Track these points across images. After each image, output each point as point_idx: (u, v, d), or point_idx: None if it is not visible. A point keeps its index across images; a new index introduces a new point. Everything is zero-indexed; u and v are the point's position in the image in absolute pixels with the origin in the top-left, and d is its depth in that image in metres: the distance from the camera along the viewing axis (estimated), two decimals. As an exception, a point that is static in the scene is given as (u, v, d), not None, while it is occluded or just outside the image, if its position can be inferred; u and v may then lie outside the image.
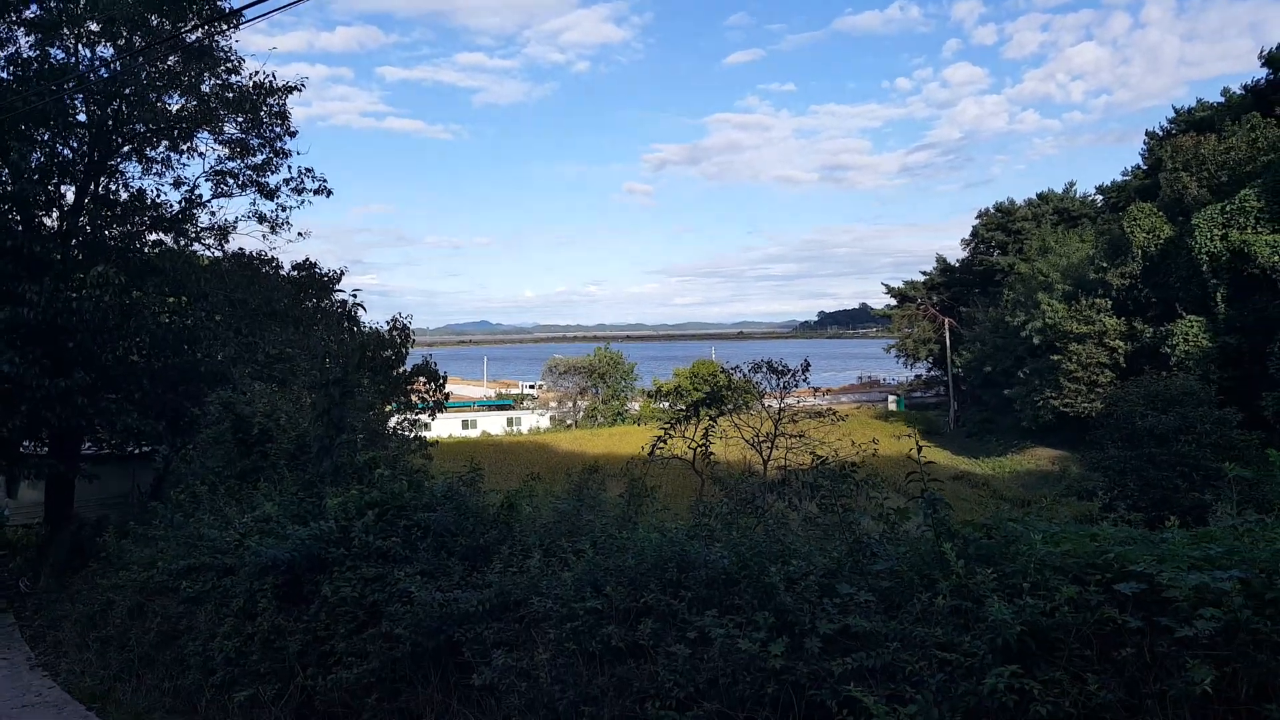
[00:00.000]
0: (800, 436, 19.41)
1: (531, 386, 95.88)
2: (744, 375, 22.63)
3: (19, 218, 20.22)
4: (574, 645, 6.68)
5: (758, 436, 19.89)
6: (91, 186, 21.55)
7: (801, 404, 27.96)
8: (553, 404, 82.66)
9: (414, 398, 19.86)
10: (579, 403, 78.83)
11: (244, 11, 21.17)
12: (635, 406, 79.02)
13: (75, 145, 21.02)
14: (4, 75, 20.08)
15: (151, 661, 12.77)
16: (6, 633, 18.68)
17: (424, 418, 17.52)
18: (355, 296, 22.17)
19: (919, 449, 6.36)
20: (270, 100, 21.22)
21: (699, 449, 15.21)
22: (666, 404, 67.10)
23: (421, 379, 20.12)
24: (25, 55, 20.20)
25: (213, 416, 16.87)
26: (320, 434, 12.09)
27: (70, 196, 21.60)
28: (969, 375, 76.54)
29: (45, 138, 19.93)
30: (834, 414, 21.21)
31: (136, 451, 25.07)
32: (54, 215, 21.31)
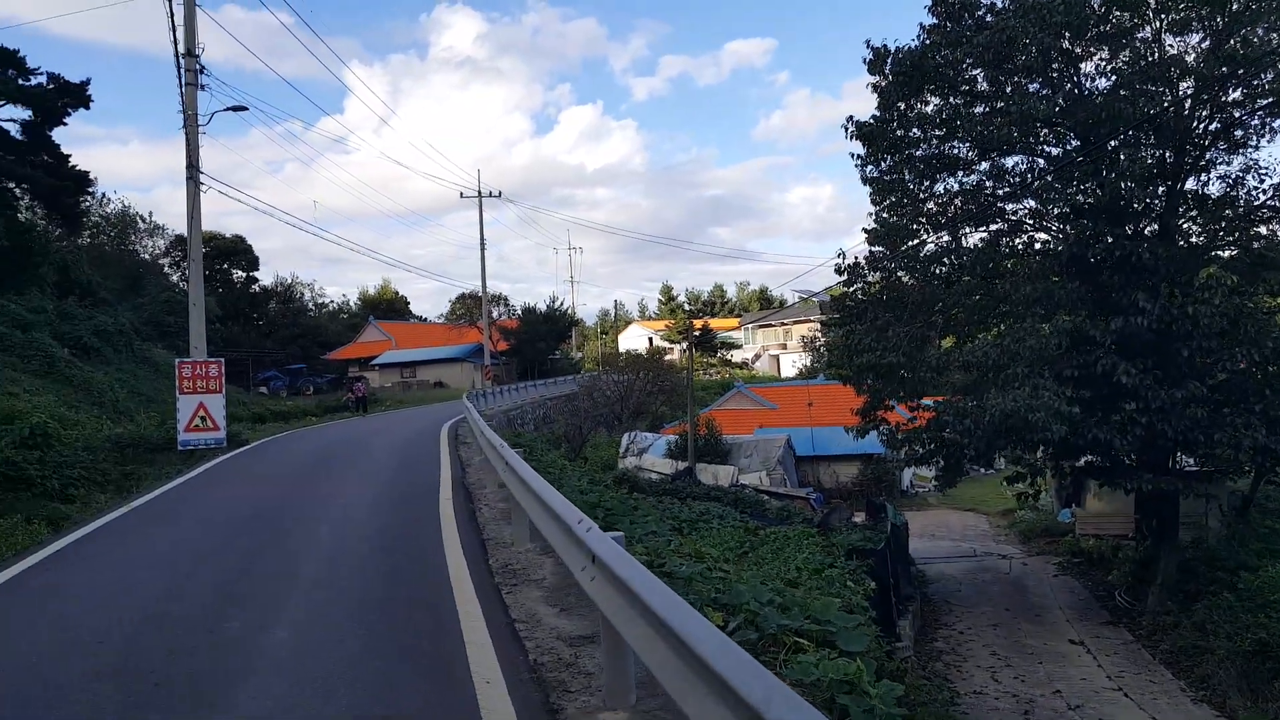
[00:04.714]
0: None
1: None
2: None
3: (1112, 227, 19.90)
4: None
5: None
6: (1184, 184, 20.22)
7: None
8: None
9: None
10: None
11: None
12: None
13: (1170, 144, 19.86)
14: (1100, 85, 20.16)
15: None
16: (1132, 652, 18.23)
17: None
18: None
19: None
20: None
21: None
22: None
23: None
24: (1118, 67, 19.88)
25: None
26: None
27: (1160, 198, 20.57)
28: None
29: (1147, 141, 19.25)
30: None
31: (1212, 470, 22.56)
32: (1147, 220, 20.57)
